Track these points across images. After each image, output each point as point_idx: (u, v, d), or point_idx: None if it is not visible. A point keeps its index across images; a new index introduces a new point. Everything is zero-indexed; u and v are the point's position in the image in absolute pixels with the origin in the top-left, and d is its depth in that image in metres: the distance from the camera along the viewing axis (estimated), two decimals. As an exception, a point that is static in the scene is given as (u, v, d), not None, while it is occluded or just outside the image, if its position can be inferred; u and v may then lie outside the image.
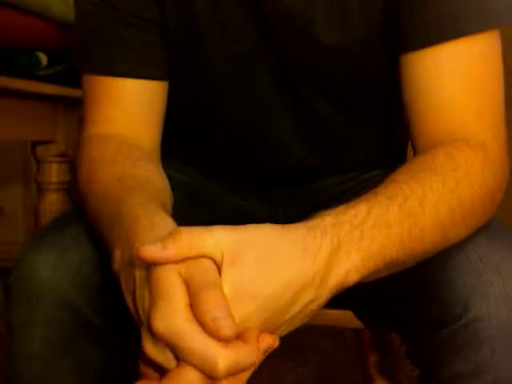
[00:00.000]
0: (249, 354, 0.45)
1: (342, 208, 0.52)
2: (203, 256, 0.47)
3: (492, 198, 0.59)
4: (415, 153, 0.66)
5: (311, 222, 0.51)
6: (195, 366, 0.45)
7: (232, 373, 0.45)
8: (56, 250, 0.61)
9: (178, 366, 0.46)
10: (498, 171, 0.61)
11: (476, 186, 0.57)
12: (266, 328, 0.48)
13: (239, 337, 0.46)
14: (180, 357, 0.45)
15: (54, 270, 0.60)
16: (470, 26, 0.61)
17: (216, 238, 0.48)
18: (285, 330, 0.50)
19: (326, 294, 0.50)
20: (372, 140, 0.80)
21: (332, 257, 0.49)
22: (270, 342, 0.48)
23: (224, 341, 0.44)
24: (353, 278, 0.50)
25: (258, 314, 0.47)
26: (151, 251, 0.47)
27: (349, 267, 0.50)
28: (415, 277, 0.57)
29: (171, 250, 0.47)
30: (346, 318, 0.76)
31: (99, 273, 0.62)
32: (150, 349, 0.47)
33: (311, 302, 0.49)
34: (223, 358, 0.44)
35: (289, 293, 0.47)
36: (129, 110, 0.70)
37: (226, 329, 0.44)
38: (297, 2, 0.66)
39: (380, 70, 0.71)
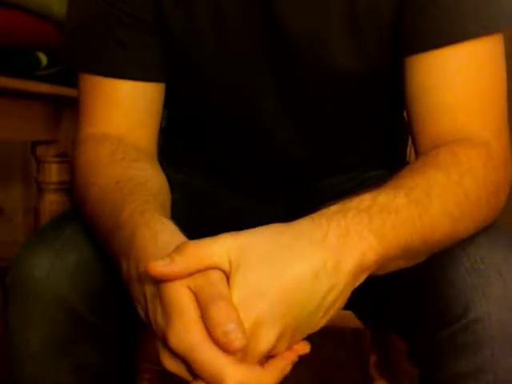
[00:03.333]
0: (260, 377, 0.46)
1: (347, 198, 0.52)
2: (211, 267, 0.47)
3: (496, 194, 0.60)
4: (416, 154, 0.66)
5: (316, 213, 0.51)
6: (206, 382, 0.45)
7: None
8: (53, 250, 0.61)
9: (192, 381, 0.47)
10: (500, 170, 0.61)
11: (480, 181, 0.57)
12: (288, 327, 0.47)
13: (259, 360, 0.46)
14: (194, 371, 0.46)
15: (51, 270, 0.60)
16: (474, 29, 0.62)
17: (221, 247, 0.48)
18: (315, 325, 0.49)
19: (345, 279, 0.48)
20: (372, 141, 0.80)
21: (342, 240, 0.48)
22: (291, 357, 0.48)
23: (235, 353, 0.45)
24: (370, 258, 0.49)
25: (271, 313, 0.46)
26: (159, 267, 0.47)
27: (364, 247, 0.49)
28: (416, 277, 0.57)
29: (179, 265, 0.47)
30: (346, 317, 0.76)
31: (96, 272, 0.62)
32: (167, 361, 0.48)
33: (330, 289, 0.48)
34: (232, 376, 0.44)
35: (302, 285, 0.47)
36: (126, 111, 0.70)
37: (237, 341, 0.44)
38: (308, 27, 0.67)
39: (384, 75, 0.71)
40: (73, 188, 0.69)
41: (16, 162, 2.13)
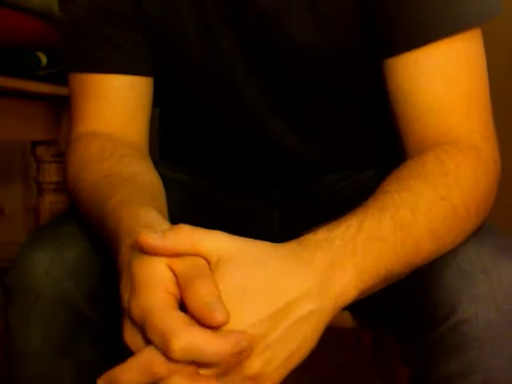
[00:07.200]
0: (210, 343, 0.44)
1: (334, 222, 0.52)
2: (199, 255, 0.47)
3: (486, 200, 0.59)
4: (406, 156, 0.66)
5: (303, 237, 0.51)
6: (157, 345, 0.44)
7: (189, 357, 0.44)
8: (53, 248, 0.61)
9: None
10: (490, 173, 0.60)
11: (467, 191, 0.57)
12: (263, 334, 0.46)
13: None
14: (147, 336, 0.45)
15: (51, 268, 0.60)
16: (449, 28, 0.61)
17: (215, 241, 0.48)
18: (290, 353, 0.47)
19: (329, 304, 0.48)
20: (367, 140, 0.80)
21: (327, 269, 0.48)
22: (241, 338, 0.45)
23: (217, 327, 0.44)
24: (351, 292, 0.49)
25: (248, 311, 0.46)
26: (150, 238, 0.47)
27: (345, 282, 0.49)
28: (404, 279, 0.57)
29: (170, 242, 0.47)
30: (345, 318, 0.76)
31: (96, 270, 0.62)
32: (127, 333, 0.47)
33: (313, 312, 0.47)
34: (180, 338, 0.43)
35: (283, 298, 0.47)
36: (115, 106, 0.71)
37: (219, 313, 0.44)
38: (271, 3, 0.66)
39: (366, 73, 0.70)
40: (66, 185, 0.70)
41: (16, 162, 2.14)
